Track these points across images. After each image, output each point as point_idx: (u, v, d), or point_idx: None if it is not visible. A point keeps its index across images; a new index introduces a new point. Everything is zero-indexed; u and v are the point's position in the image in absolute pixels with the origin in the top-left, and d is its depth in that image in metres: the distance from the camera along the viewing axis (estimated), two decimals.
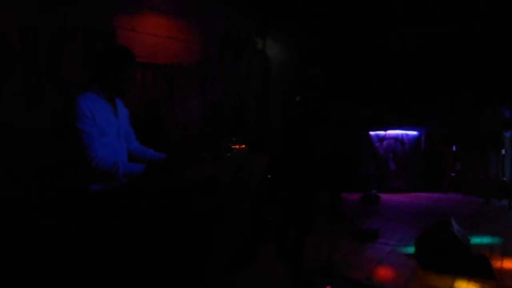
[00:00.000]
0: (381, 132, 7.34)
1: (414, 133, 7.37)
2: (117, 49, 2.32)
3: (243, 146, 3.96)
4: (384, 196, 6.56)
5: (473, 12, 6.46)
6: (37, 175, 3.23)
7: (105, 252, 2.08)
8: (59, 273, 2.31)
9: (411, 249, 3.91)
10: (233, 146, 3.72)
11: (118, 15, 4.17)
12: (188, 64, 5.02)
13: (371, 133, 7.33)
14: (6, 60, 3.27)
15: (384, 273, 3.51)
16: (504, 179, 6.34)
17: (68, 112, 2.12)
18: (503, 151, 6.32)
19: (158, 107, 4.60)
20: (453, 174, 7.16)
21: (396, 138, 7.32)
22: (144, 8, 4.52)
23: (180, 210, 2.13)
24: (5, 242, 2.62)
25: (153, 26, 4.61)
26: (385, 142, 7.30)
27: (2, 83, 3.24)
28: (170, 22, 4.84)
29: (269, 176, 4.05)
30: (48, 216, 2.73)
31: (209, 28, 5.41)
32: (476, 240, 4.19)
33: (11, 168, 3.13)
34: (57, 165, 3.03)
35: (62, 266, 2.29)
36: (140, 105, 4.36)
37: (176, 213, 2.12)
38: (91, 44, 3.84)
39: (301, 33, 6.86)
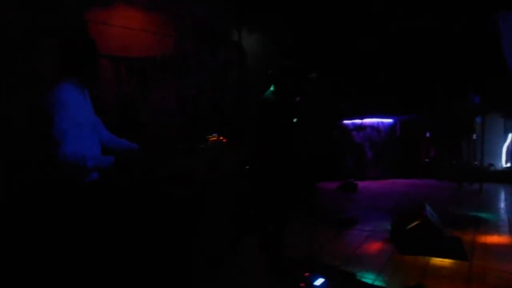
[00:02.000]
0: (358, 121, 7.45)
1: (390, 121, 7.51)
2: (84, 40, 2.36)
3: (222, 139, 3.96)
4: (362, 184, 6.68)
5: (447, 5, 6.61)
6: (9, 170, 3.17)
7: (80, 247, 2.07)
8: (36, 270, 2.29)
9: (386, 234, 4.01)
10: (211, 139, 3.71)
11: (90, 9, 4.09)
12: (162, 57, 4.96)
13: (348, 121, 7.43)
14: None
15: (361, 258, 3.59)
16: (476, 163, 6.55)
17: (44, 103, 2.12)
18: (474, 136, 6.53)
19: (132, 100, 4.54)
20: (427, 160, 7.35)
21: (372, 126, 7.44)
22: (117, 1, 4.44)
23: (155, 204, 2.13)
24: None
25: (126, 19, 4.53)
26: (361, 131, 7.41)
27: None
28: (144, 15, 4.77)
29: (246, 167, 4.06)
30: (20, 211, 2.68)
31: (183, 21, 5.35)
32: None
33: None
34: (29, 159, 2.98)
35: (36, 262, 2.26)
36: (114, 99, 4.30)
37: (151, 207, 2.12)
38: (63, 40, 3.76)
39: (276, 25, 6.86)
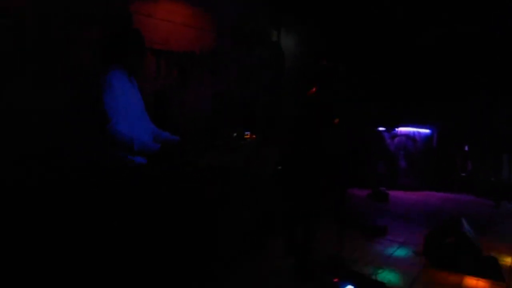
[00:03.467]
0: (393, 129, 7.26)
1: (427, 131, 7.28)
2: (133, 31, 2.44)
3: (254, 136, 3.94)
4: (393, 193, 6.50)
5: (490, 12, 6.34)
6: (47, 157, 3.25)
7: (117, 231, 2.10)
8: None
9: (418, 248, 3.87)
10: (245, 136, 3.70)
11: (134, 1, 4.16)
12: (201, 52, 4.99)
13: (381, 129, 7.26)
14: (21, 44, 3.28)
15: (391, 269, 3.48)
16: None
17: (98, 85, 2.18)
18: None
19: (168, 94, 4.58)
20: (464, 174, 7.07)
21: (407, 135, 7.24)
22: None
23: (193, 195, 2.13)
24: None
25: (168, 12, 4.58)
26: (396, 139, 7.22)
27: (19, 68, 3.25)
28: (186, 9, 4.81)
29: (279, 167, 4.02)
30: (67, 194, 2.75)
31: (223, 17, 5.36)
32: None
33: (23, 151, 3.15)
34: (69, 146, 3.05)
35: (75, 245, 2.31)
36: (152, 91, 4.36)
37: (188, 198, 2.12)
38: (108, 30, 3.84)
39: (314, 27, 6.79)
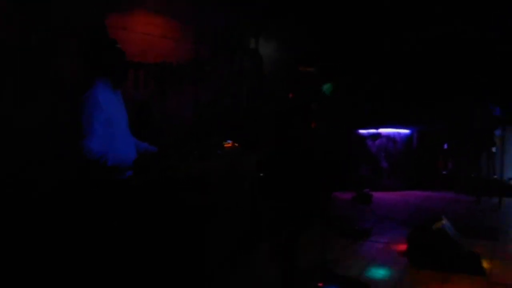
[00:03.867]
0: (373, 131, 7.36)
1: (406, 131, 7.41)
2: (110, 41, 2.44)
3: (237, 145, 3.95)
4: (377, 195, 6.58)
5: (465, 13, 6.52)
6: (31, 170, 3.21)
7: (97, 245, 2.08)
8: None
9: (402, 247, 3.93)
10: (226, 145, 3.70)
11: (109, 14, 4.15)
12: (179, 63, 5.00)
13: (363, 131, 7.35)
14: (2, 58, 3.26)
15: (376, 270, 3.52)
16: (495, 177, 6.39)
17: (79, 98, 2.18)
18: (493, 149, 6.38)
19: (148, 105, 4.57)
20: (444, 173, 7.21)
21: (388, 137, 7.35)
22: (136, 7, 4.50)
23: (169, 206, 2.13)
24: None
25: (145, 25, 4.59)
26: (377, 141, 7.32)
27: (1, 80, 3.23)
28: (162, 21, 4.82)
29: (261, 174, 4.04)
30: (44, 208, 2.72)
31: (201, 28, 5.39)
32: None
33: (6, 162, 3.11)
34: (51, 159, 3.03)
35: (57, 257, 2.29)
36: (131, 103, 4.34)
37: (165, 209, 2.12)
38: (85, 42, 3.83)
39: (294, 32, 6.86)
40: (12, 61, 3.31)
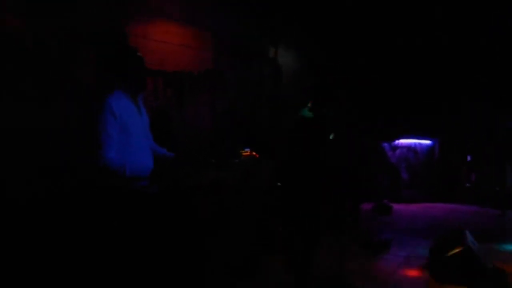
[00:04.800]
0: (393, 141, 7.23)
1: (428, 142, 7.24)
2: (131, 49, 2.44)
3: (255, 154, 3.92)
4: (397, 206, 6.43)
5: (479, 24, 6.37)
6: (47, 174, 3.26)
7: (106, 251, 2.07)
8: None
9: (422, 262, 3.80)
10: (244, 153, 3.67)
11: (129, 22, 4.20)
12: (198, 71, 5.02)
13: (383, 142, 7.22)
14: (20, 64, 3.33)
15: (395, 285, 3.41)
16: None
17: (95, 109, 2.18)
18: None
19: (167, 114, 4.60)
20: (468, 185, 7.00)
21: (409, 147, 7.20)
22: (156, 16, 4.55)
23: (184, 213, 2.11)
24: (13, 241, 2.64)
25: (164, 33, 4.62)
26: (397, 151, 7.18)
27: (16, 85, 3.29)
28: (181, 30, 4.85)
29: (278, 184, 3.99)
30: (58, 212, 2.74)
31: (220, 36, 5.41)
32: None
33: (22, 168, 3.16)
34: (66, 164, 3.06)
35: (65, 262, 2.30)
36: (150, 111, 4.37)
37: (178, 218, 2.10)
38: (104, 49, 3.88)
39: (313, 42, 6.83)
40: (31, 66, 3.38)
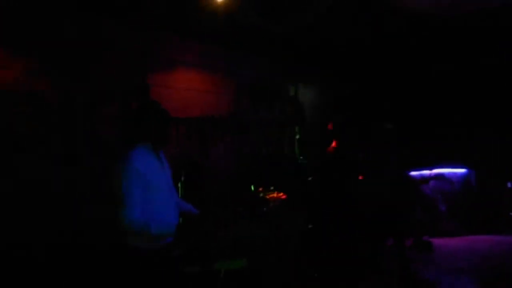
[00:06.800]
0: (426, 172, 6.92)
1: (462, 170, 6.91)
2: (154, 105, 2.40)
3: (281, 195, 3.78)
4: (436, 241, 6.05)
5: None
6: (75, 234, 3.23)
7: None
8: None
9: None
10: (270, 196, 3.55)
11: (151, 74, 4.28)
12: (220, 115, 5.02)
13: (414, 173, 6.93)
14: (45, 122, 3.40)
15: None
16: None
17: (118, 167, 2.15)
18: None
19: (197, 164, 4.56)
20: (511, 214, 6.57)
21: (443, 177, 6.88)
22: (176, 64, 4.63)
23: (207, 275, 1.99)
24: None
25: (185, 81, 4.69)
26: (431, 182, 6.86)
27: (42, 143, 3.34)
28: (201, 76, 4.92)
29: (309, 226, 3.82)
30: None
31: (239, 79, 5.45)
32: None
33: (47, 227, 3.14)
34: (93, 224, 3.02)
35: None
36: (172, 159, 4.35)
37: (203, 278, 1.98)
38: (127, 105, 3.95)
39: (332, 78, 6.80)
40: (56, 123, 3.43)
